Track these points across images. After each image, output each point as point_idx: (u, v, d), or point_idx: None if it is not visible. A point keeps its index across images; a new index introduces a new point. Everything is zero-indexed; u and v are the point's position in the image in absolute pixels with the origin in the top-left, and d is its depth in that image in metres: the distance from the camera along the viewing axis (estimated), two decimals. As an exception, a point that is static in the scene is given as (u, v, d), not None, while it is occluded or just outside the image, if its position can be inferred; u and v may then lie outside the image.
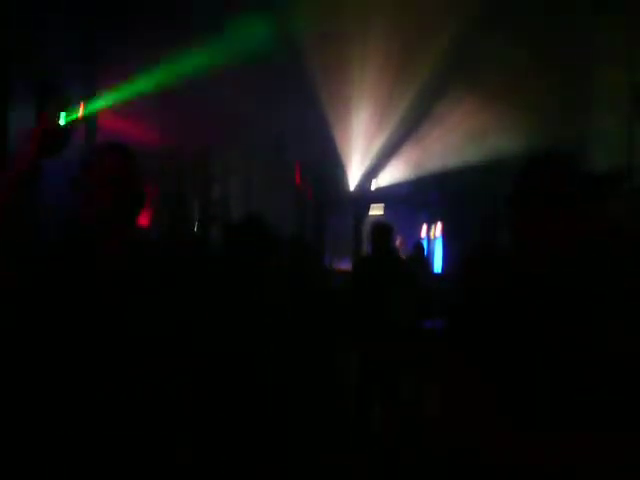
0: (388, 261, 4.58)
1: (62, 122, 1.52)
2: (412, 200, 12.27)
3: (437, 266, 11.97)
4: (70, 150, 1.57)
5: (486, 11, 7.51)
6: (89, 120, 6.93)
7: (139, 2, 6.65)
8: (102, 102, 6.76)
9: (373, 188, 12.55)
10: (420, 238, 12.13)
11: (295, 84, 8.72)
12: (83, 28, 6.57)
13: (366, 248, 8.16)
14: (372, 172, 12.32)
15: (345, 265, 9.10)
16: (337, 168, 11.84)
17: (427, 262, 9.62)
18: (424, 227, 12.80)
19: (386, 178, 12.37)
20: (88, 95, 6.75)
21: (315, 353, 3.50)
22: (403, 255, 9.12)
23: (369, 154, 11.86)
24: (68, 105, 1.59)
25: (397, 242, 10.13)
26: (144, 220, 8.73)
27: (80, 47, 6.63)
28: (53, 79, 6.36)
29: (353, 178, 12.43)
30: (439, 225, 12.38)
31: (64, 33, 6.22)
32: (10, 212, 1.44)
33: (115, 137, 7.10)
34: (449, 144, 10.65)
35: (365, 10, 7.94)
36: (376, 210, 12.74)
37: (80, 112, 6.82)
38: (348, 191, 12.38)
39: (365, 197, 12.40)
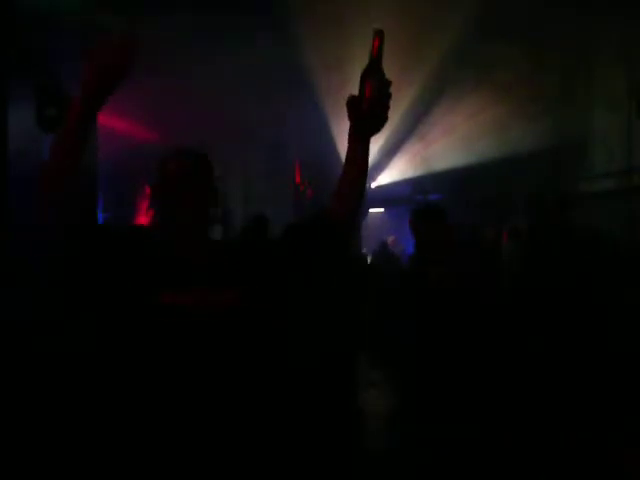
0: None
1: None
2: (412, 199, 12.26)
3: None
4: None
5: (486, 10, 7.51)
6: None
7: (139, 2, 6.64)
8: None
9: (373, 187, 12.56)
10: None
11: (295, 84, 8.71)
12: (83, 28, 6.58)
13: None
14: (372, 171, 12.32)
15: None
16: (337, 168, 11.82)
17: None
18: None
19: (386, 177, 12.37)
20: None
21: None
22: (398, 254, 9.12)
23: (369, 153, 11.84)
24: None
25: (389, 241, 10.13)
26: (144, 220, 8.73)
27: (80, 47, 6.63)
28: (52, 79, 6.36)
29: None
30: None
31: (64, 33, 6.22)
32: (73, 162, 1.48)
33: (115, 137, 7.11)
34: (449, 144, 10.66)
35: (365, 9, 7.93)
36: (376, 209, 12.73)
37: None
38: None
39: (365, 196, 12.39)
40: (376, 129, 1.58)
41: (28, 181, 6.27)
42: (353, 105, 1.53)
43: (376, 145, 11.45)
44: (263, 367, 1.59)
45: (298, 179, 11.34)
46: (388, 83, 1.51)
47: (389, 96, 1.52)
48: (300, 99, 8.95)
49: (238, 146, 10.01)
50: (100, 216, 7.63)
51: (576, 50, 7.73)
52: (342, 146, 1.69)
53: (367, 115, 1.53)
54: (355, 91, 1.59)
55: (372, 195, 12.51)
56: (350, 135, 1.60)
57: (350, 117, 1.55)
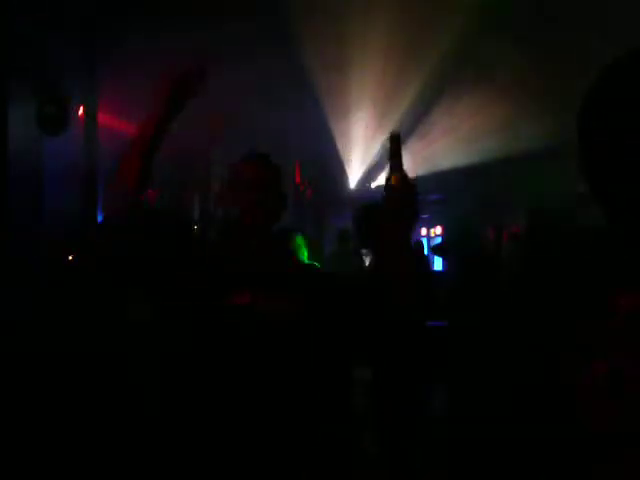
0: None
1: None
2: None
3: (437, 264, 11.97)
4: (70, 152, 1.60)
5: (486, 10, 7.51)
6: (89, 120, 6.94)
7: (140, 2, 6.65)
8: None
9: (373, 187, 12.57)
10: (420, 236, 12.13)
11: (295, 83, 8.71)
12: (83, 28, 6.58)
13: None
14: (372, 171, 12.32)
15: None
16: (337, 168, 11.84)
17: (427, 260, 9.61)
18: (424, 226, 12.81)
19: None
20: (88, 95, 6.76)
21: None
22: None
23: (370, 153, 11.85)
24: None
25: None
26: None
27: (80, 47, 6.63)
28: (53, 79, 6.37)
29: (353, 178, 12.42)
30: (439, 226, 12.39)
31: (64, 33, 6.22)
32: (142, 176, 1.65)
33: (115, 137, 7.12)
34: (450, 143, 10.66)
35: (365, 9, 7.93)
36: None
37: (80, 112, 6.83)
38: (348, 191, 12.37)
39: (365, 197, 12.41)
40: (408, 225, 1.62)
41: (28, 181, 6.24)
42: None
43: (376, 144, 11.46)
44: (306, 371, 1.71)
45: (298, 179, 11.34)
46: (411, 184, 1.54)
47: (414, 194, 1.55)
48: (300, 99, 8.95)
49: (238, 146, 10.00)
50: (100, 216, 7.63)
51: (576, 49, 7.73)
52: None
53: (395, 214, 1.58)
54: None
55: (372, 195, 12.51)
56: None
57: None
